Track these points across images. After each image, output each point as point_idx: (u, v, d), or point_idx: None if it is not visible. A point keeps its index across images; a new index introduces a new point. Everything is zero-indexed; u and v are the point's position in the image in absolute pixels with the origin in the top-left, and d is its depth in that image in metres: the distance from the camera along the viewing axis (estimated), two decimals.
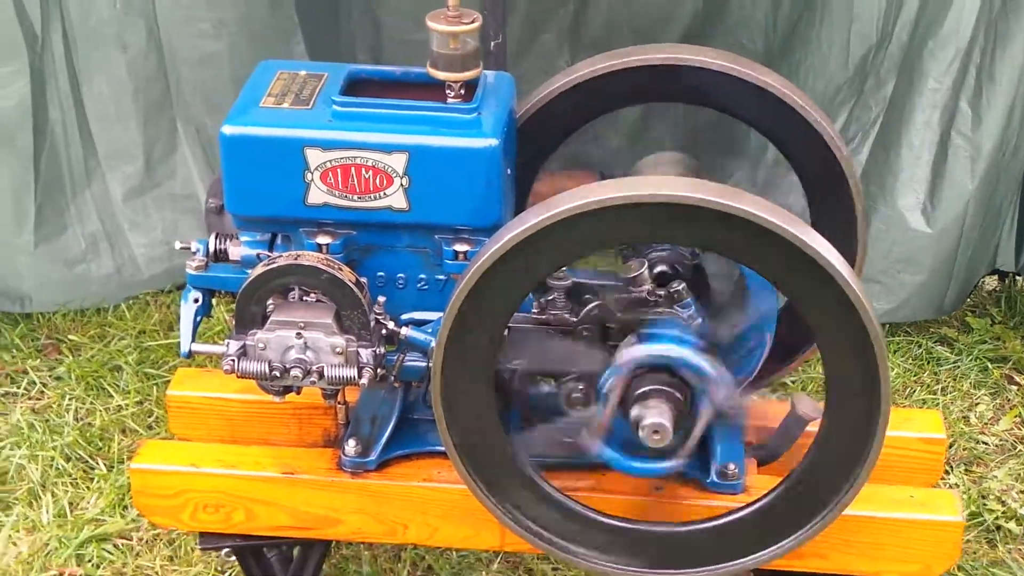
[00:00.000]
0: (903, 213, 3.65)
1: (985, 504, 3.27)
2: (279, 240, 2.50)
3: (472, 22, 2.41)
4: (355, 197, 2.40)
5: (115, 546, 3.16)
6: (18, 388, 3.64)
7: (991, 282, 3.98)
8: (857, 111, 3.69)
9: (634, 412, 2.31)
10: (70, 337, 3.81)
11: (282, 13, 3.76)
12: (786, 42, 3.61)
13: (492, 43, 3.18)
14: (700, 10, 3.56)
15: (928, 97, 3.57)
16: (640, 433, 2.30)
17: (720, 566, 2.44)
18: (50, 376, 3.69)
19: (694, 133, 3.66)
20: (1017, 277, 3.89)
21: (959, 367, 3.71)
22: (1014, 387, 3.66)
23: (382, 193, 2.40)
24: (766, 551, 2.42)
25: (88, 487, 3.32)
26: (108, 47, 3.76)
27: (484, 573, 3.08)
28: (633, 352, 2.34)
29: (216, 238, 2.53)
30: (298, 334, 2.42)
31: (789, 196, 2.80)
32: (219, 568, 3.08)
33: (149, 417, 3.53)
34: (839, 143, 2.59)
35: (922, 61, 3.55)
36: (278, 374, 2.44)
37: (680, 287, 2.43)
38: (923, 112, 3.58)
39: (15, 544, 3.17)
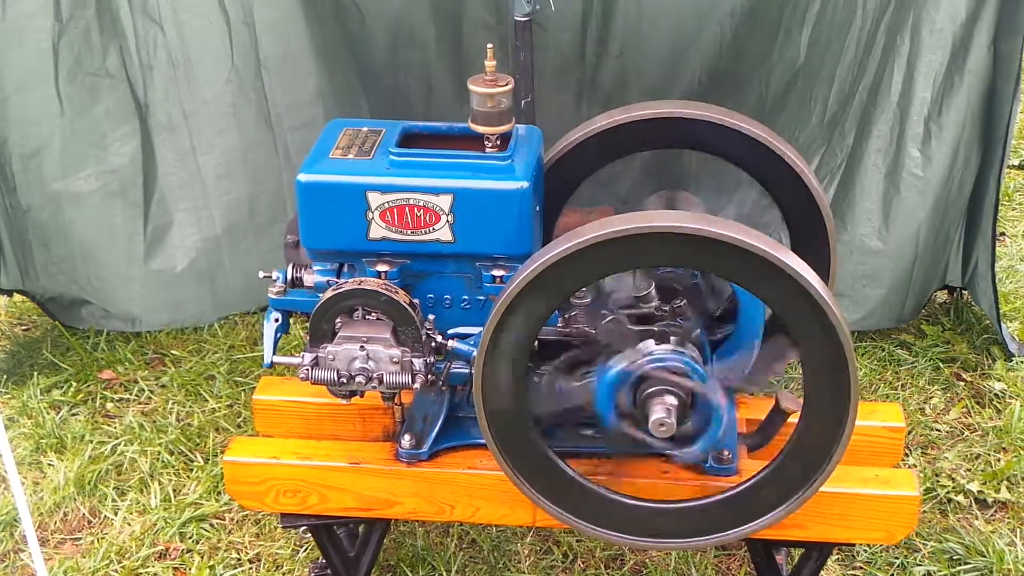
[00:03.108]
0: (863, 239, 3.64)
1: (938, 481, 3.24)
2: (345, 269, 2.50)
3: (506, 85, 2.41)
4: (409, 232, 2.40)
5: (211, 525, 3.16)
6: (130, 394, 3.64)
7: (942, 295, 3.96)
8: (827, 157, 3.67)
9: (652, 401, 2.29)
10: (172, 352, 3.82)
11: (348, 82, 3.75)
12: (780, 99, 3.59)
13: (523, 101, 3.16)
14: (698, 72, 3.54)
15: (874, 143, 3.57)
16: (649, 419, 2.28)
17: (718, 535, 2.43)
18: (156, 384, 3.69)
19: (689, 173, 3.65)
20: (964, 291, 3.86)
21: (916, 367, 3.68)
22: (961, 383, 3.63)
23: (431, 228, 2.40)
24: (756, 522, 2.41)
25: (188, 476, 3.32)
26: (224, 115, 3.72)
27: (519, 545, 3.06)
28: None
29: (293, 268, 2.54)
30: (362, 347, 2.42)
31: (770, 226, 2.79)
32: (297, 543, 3.08)
33: (238, 418, 3.53)
34: (815, 182, 2.58)
35: (870, 115, 3.55)
36: (345, 381, 2.44)
37: (682, 303, 2.42)
38: (870, 156, 3.58)
39: (129, 524, 3.17)
